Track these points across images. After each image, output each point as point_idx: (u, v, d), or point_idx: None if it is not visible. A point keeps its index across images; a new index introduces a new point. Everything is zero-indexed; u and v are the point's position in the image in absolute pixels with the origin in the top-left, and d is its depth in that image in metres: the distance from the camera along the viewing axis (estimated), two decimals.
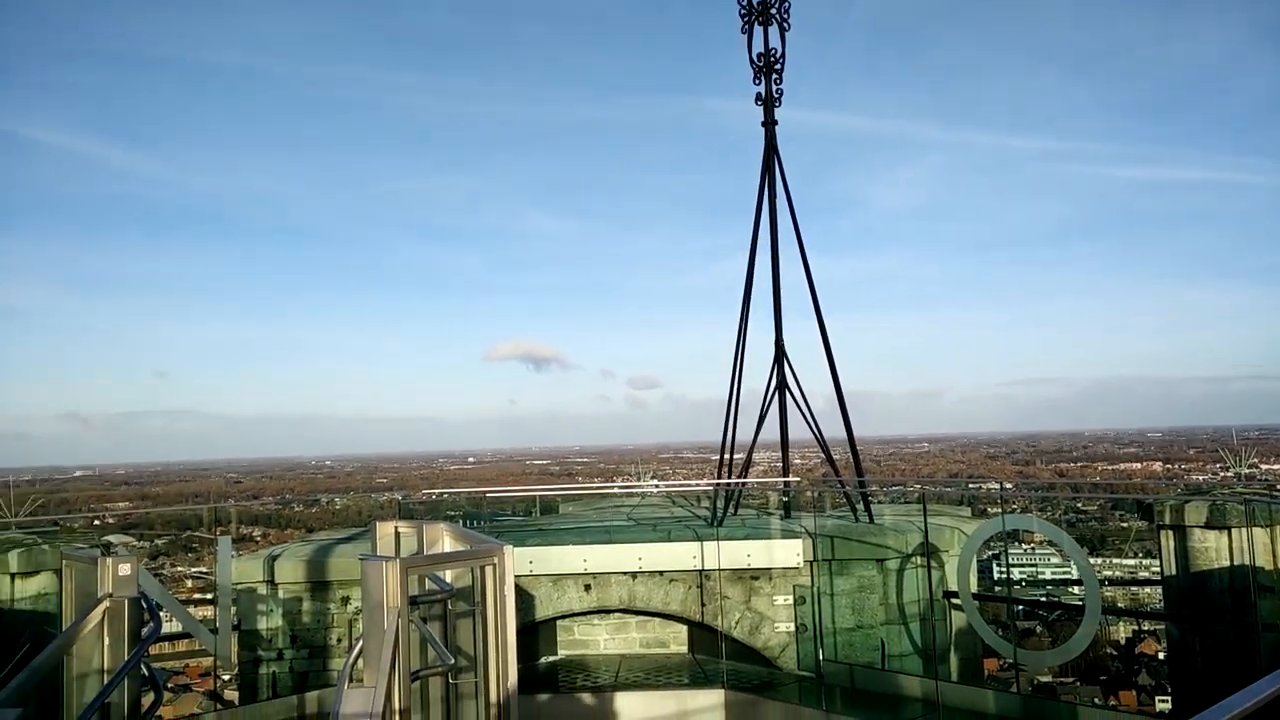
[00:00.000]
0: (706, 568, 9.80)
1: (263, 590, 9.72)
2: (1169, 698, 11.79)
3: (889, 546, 9.87)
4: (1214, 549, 8.12)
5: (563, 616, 10.25)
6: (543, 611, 10.00)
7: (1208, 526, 8.13)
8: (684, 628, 10.48)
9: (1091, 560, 10.89)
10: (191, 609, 9.91)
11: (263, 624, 9.67)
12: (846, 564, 9.79)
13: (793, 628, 9.81)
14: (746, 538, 10.01)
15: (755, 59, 12.24)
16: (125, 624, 5.91)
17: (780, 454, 12.27)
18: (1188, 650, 8.35)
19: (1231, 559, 8.01)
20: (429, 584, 6.34)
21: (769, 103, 12.18)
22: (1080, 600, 9.28)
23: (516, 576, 6.91)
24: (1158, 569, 8.74)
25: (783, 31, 12.21)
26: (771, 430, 11.84)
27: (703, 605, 9.88)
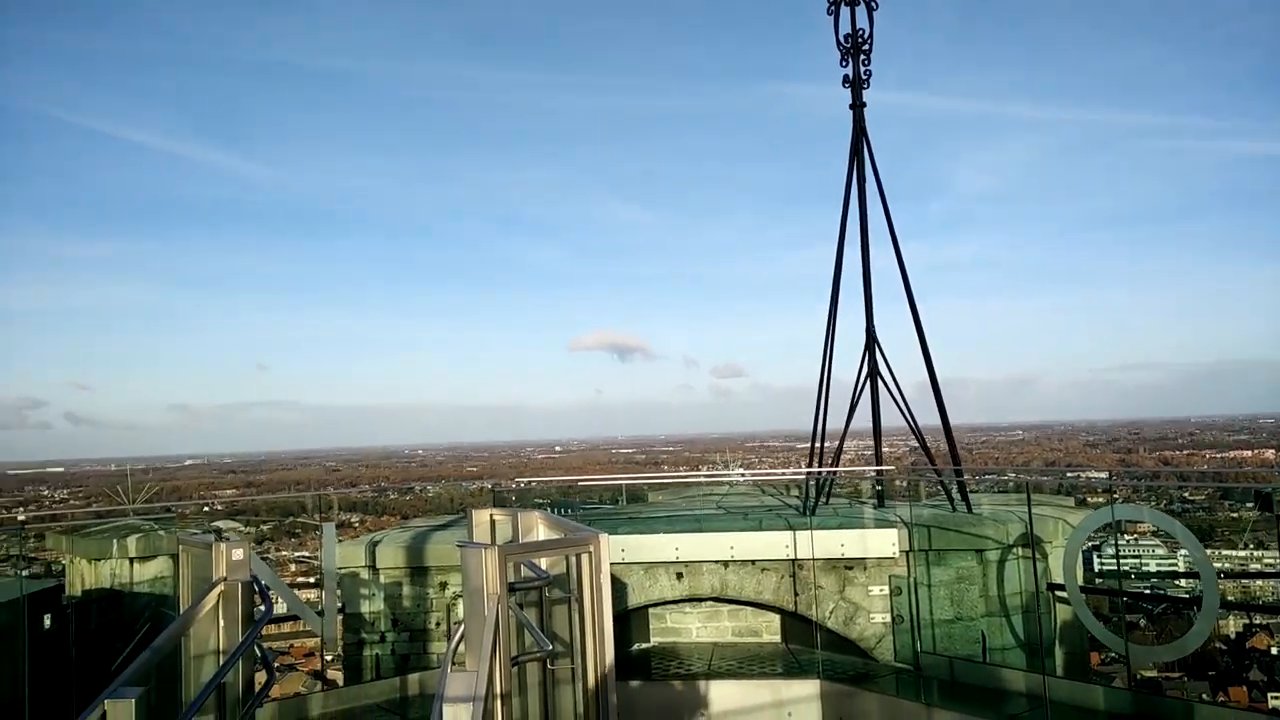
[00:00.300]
0: (799, 557, 9.69)
1: (365, 575, 10.00)
2: None
3: (988, 537, 9.60)
4: None
5: (654, 604, 10.28)
6: (635, 599, 10.04)
7: None
8: (776, 617, 10.40)
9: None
10: (295, 592, 10.28)
11: (365, 607, 9.97)
12: (944, 554, 9.56)
13: (889, 619, 9.63)
14: (840, 527, 9.86)
15: (842, 40, 11.99)
16: (239, 606, 6.14)
17: (872, 442, 12.07)
18: None
19: None
20: (524, 571, 6.43)
21: (856, 85, 11.92)
22: (1187, 593, 8.88)
23: (610, 564, 6.95)
24: (1272, 560, 8.30)
25: (870, 11, 11.94)
26: (860, 418, 11.66)
27: (795, 595, 9.78)
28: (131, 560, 10.23)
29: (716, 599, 10.23)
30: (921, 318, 11.42)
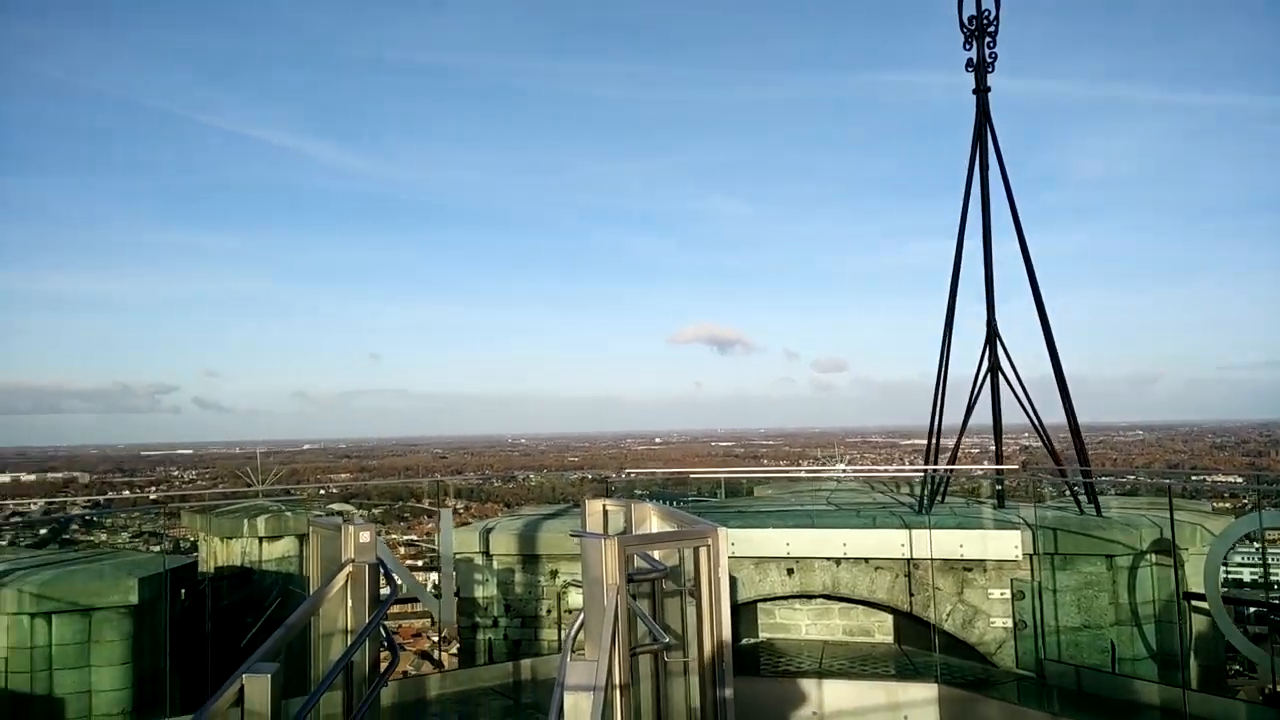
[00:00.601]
0: (915, 556, 9.43)
1: (479, 560, 10.21)
2: None
3: (1118, 541, 9.14)
4: None
5: (764, 599, 10.17)
6: (744, 594, 9.96)
7: None
8: (889, 617, 10.15)
9: None
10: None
11: (479, 592, 10.17)
12: (1070, 559, 9.15)
13: (1010, 623, 9.28)
14: (958, 527, 9.55)
15: (966, 22, 11.55)
16: (366, 588, 6.32)
17: (980, 439, 11.67)
18: None
19: None
20: (637, 562, 6.43)
21: (981, 68, 11.47)
22: None
23: None
24: None
25: None
26: (979, 415, 11.25)
27: (911, 595, 9.52)
28: (260, 539, 10.71)
29: (828, 596, 10.05)
30: (1037, 311, 10.98)
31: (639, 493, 12.18)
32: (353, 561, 6.40)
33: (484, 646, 10.08)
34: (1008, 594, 9.34)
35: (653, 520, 7.06)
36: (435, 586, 9.88)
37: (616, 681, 5.24)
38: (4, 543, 11.49)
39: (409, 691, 8.54)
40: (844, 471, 19.27)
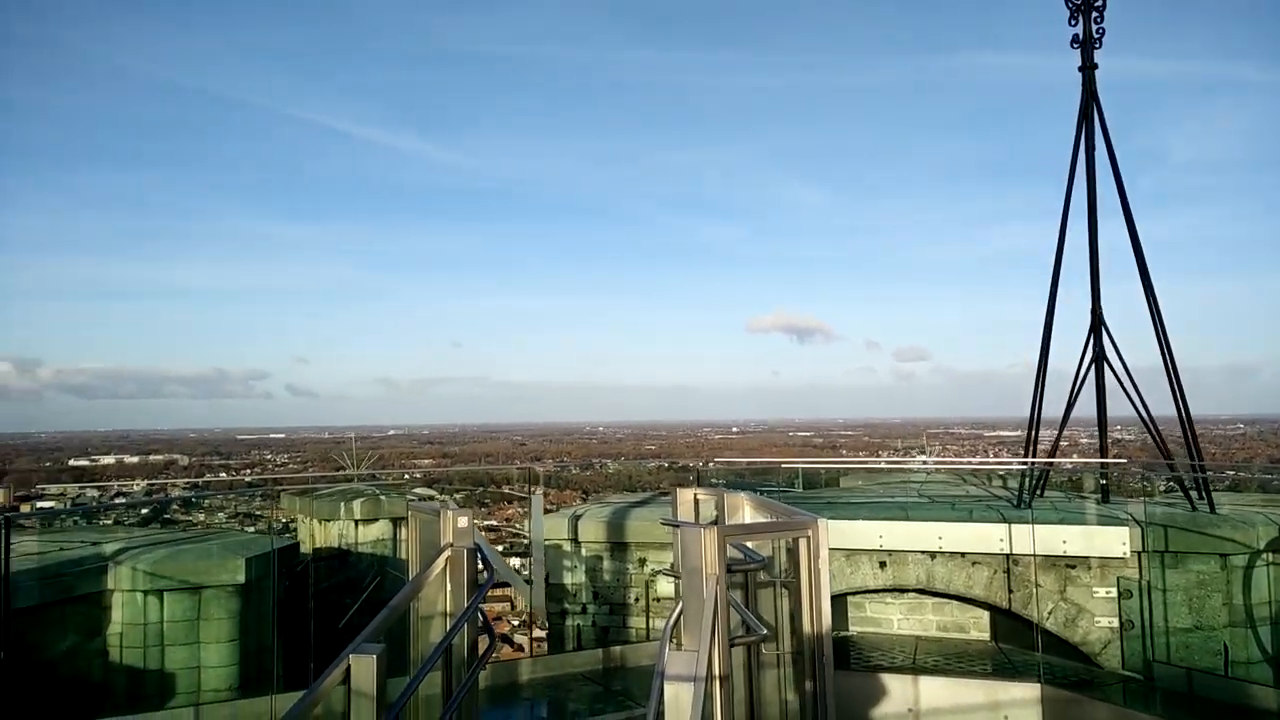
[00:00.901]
0: (1015, 552, 9.14)
1: (567, 547, 10.27)
2: None
3: (1233, 539, 8.71)
4: None
5: (854, 592, 10.00)
6: (835, 586, 9.76)
7: None
8: (985, 613, 9.87)
9: None
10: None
11: (567, 579, 10.24)
12: (1182, 557, 8.76)
13: (1116, 623, 8.94)
14: (1061, 522, 9.22)
15: None
16: (464, 572, 6.40)
17: (1090, 431, 11.23)
18: None
19: None
20: (731, 551, 6.36)
21: (1087, 45, 10.99)
22: None
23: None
24: None
25: None
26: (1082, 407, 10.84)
27: (1010, 592, 9.24)
28: (356, 522, 10.98)
29: (921, 590, 9.83)
30: (1135, 299, 10.55)
31: (714, 482, 12.10)
32: (451, 546, 6.49)
33: (572, 632, 10.15)
34: (1113, 592, 8.99)
35: (745, 510, 6.98)
36: (517, 572, 9.98)
37: (716, 673, 5.19)
38: (109, 522, 12.01)
39: (501, 675, 8.65)
40: (925, 463, 18.83)
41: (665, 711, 4.75)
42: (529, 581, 9.34)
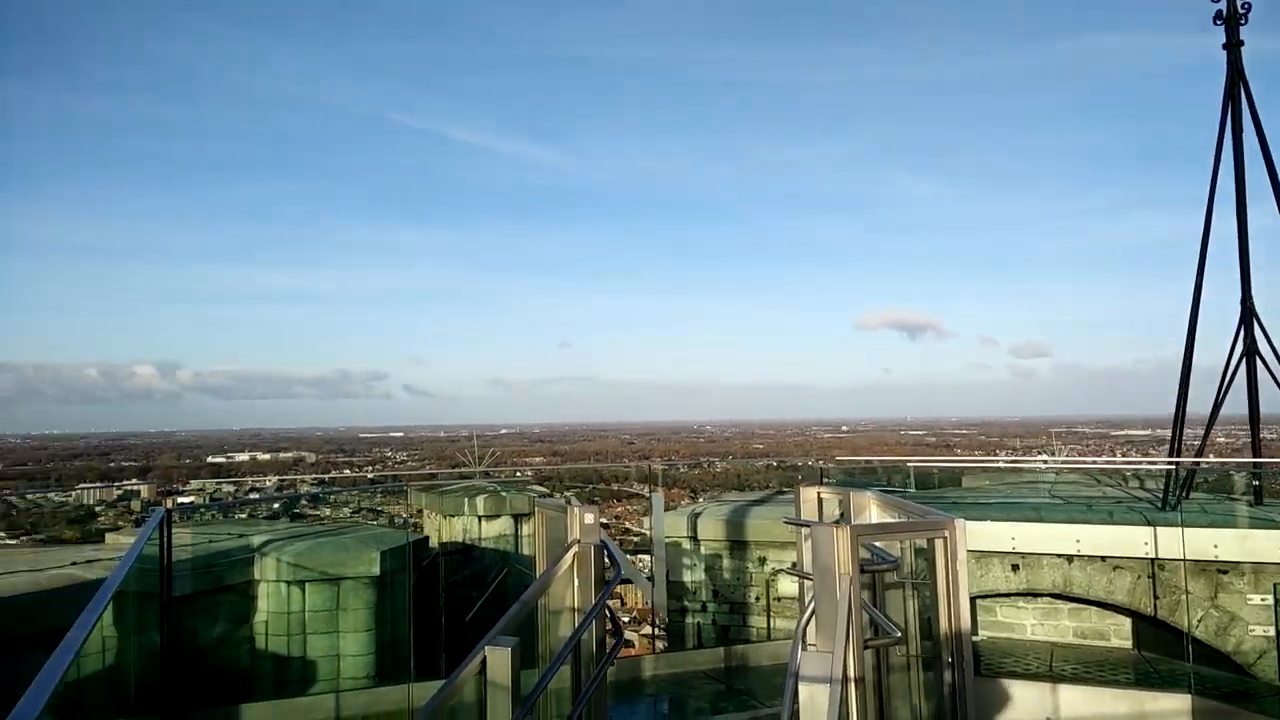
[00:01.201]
0: (1160, 556, 8.67)
1: (687, 545, 10.27)
2: None
3: None
4: None
5: (985, 596, 9.67)
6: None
7: None
8: (1126, 620, 9.40)
9: None
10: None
11: (687, 577, 10.24)
12: None
13: (1272, 632, 8.37)
14: (1211, 525, 8.70)
15: None
16: (591, 568, 6.47)
17: (1239, 431, 10.56)
18: None
19: None
20: (860, 552, 6.23)
21: (1232, 20, 10.33)
22: None
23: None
24: None
25: None
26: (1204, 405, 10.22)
27: (1155, 598, 8.77)
28: (480, 518, 11.25)
29: (1056, 595, 9.43)
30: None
31: (826, 481, 11.88)
32: (579, 542, 6.57)
33: (692, 630, 10.15)
34: (1269, 600, 8.42)
35: (872, 509, 6.84)
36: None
37: (851, 675, 5.10)
38: (244, 515, 12.61)
39: (624, 670, 8.72)
40: (1052, 463, 18.04)
41: (800, 712, 4.70)
42: (650, 579, 9.39)
